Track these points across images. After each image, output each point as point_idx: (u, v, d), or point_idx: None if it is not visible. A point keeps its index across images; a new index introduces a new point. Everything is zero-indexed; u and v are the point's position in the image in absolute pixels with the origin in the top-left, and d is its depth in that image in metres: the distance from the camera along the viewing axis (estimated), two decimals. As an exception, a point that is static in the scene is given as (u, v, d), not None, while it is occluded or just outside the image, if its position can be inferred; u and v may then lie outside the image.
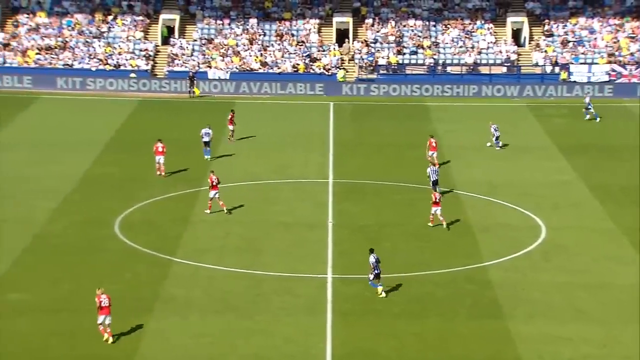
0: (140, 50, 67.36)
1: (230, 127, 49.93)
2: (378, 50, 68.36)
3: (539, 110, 58.45)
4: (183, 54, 67.14)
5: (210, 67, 66.24)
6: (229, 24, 70.23)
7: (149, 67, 66.22)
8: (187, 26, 70.38)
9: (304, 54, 67.58)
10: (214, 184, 38.30)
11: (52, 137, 50.65)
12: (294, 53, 67.84)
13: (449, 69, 67.35)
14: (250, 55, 67.38)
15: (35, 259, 33.61)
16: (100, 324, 27.32)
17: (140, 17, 69.89)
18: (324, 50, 68.09)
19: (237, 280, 32.09)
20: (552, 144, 51.02)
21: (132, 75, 64.70)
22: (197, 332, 28.14)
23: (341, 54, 67.97)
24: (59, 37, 67.53)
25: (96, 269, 32.73)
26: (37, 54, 65.76)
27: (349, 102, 62.04)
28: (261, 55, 67.53)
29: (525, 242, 35.97)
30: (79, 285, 31.31)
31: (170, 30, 69.63)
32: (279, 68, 66.62)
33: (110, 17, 69.71)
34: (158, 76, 66.08)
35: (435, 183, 40.44)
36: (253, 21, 70.30)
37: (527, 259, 34.43)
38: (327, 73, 66.27)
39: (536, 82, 65.04)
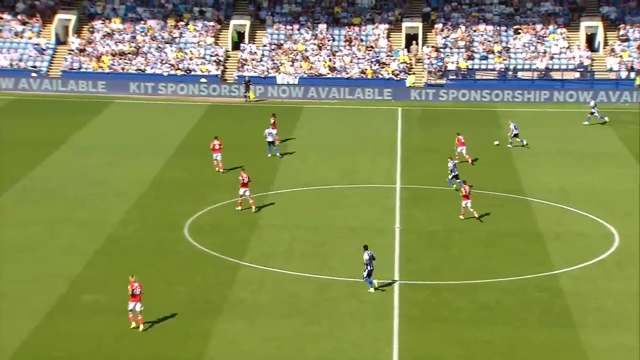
0: (211, 56, 68.20)
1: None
2: (447, 55, 67.90)
3: (613, 116, 57.28)
4: (253, 59, 67.74)
5: (279, 72, 66.68)
6: (299, 29, 70.59)
7: (219, 72, 66.99)
8: (257, 31, 70.99)
9: (373, 59, 67.52)
10: (245, 182, 39.12)
11: (124, 141, 51.57)
12: (363, 58, 67.85)
13: (519, 74, 66.50)
14: (319, 61, 67.61)
15: (107, 260, 34.24)
16: (131, 310, 28.23)
17: (211, 23, 70.76)
18: (392, 56, 67.93)
19: (304, 285, 32.18)
20: (627, 151, 49.96)
21: (203, 80, 65.51)
22: (264, 335, 28.29)
23: (409, 58, 67.67)
24: (132, 42, 68.78)
25: (166, 272, 33.19)
26: (111, 59, 67.09)
27: (417, 108, 61.73)
28: (330, 60, 67.70)
29: (598, 250, 35.27)
30: (150, 287, 31.71)
31: (240, 35, 70.32)
32: (347, 73, 66.69)
33: (182, 23, 70.75)
34: (228, 81, 66.77)
35: (456, 177, 41.64)
36: (322, 26, 70.53)
37: (599, 268, 33.76)
38: (395, 78, 66.09)
39: (610, 87, 63.78)
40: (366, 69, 66.55)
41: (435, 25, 70.62)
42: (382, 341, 27.91)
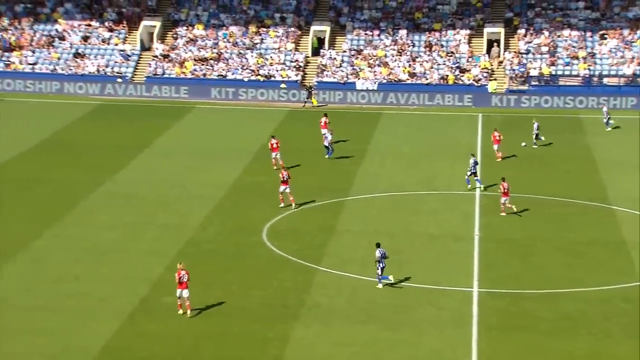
0: (291, 61, 68.65)
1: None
2: (530, 61, 66.86)
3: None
4: (332, 65, 67.91)
5: (358, 78, 66.69)
6: (379, 35, 70.49)
7: (298, 77, 67.37)
8: (337, 37, 71.15)
9: (454, 65, 66.96)
10: (285, 179, 40.02)
11: (205, 146, 52.25)
12: (443, 64, 67.33)
13: (605, 80, 65.01)
14: (399, 66, 67.36)
15: (188, 263, 34.54)
16: (179, 297, 29.37)
17: (292, 29, 71.24)
18: (473, 61, 67.23)
19: (381, 291, 32.02)
20: None
21: (283, 85, 65.97)
22: (341, 341, 28.26)
23: (490, 63, 66.84)
24: (215, 48, 69.72)
25: (245, 275, 33.48)
26: (193, 65, 68.14)
27: (498, 114, 60.92)
28: (409, 66, 67.40)
29: (685, 262, 34.18)
30: (229, 290, 32.11)
31: (320, 41, 70.60)
32: (427, 79, 66.28)
33: (263, 29, 71.41)
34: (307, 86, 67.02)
35: (474, 174, 42.82)
36: (402, 32, 70.27)
37: (686, 279, 32.71)
38: (476, 84, 65.38)
39: (699, 93, 61.90)
40: (447, 75, 66.02)
41: (518, 31, 69.61)
42: (460, 349, 27.57)
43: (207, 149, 51.54)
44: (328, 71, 67.46)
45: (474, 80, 65.63)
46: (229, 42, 70.33)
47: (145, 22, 71.10)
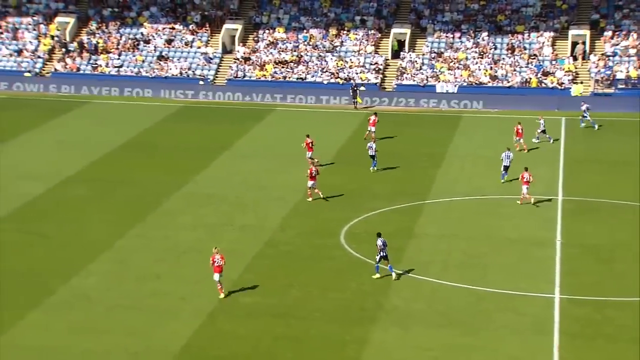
0: (371, 64, 68.56)
1: (372, 129, 52.27)
2: (617, 63, 65.29)
3: None
4: (412, 68, 67.57)
5: (438, 80, 66.19)
6: (460, 38, 69.86)
7: (378, 80, 67.25)
8: (418, 40, 70.79)
9: (537, 68, 65.87)
10: (313, 174, 41.48)
11: (284, 148, 52.56)
12: (526, 66, 66.31)
13: (693, 82, 63.10)
14: (480, 69, 66.62)
15: (266, 264, 34.99)
16: (218, 281, 31.01)
17: (372, 31, 71.15)
18: (557, 64, 66.02)
19: (460, 296, 31.70)
20: None
21: (362, 88, 65.92)
22: (419, 345, 28.06)
23: (575, 66, 65.56)
24: (295, 51, 70.13)
25: (322, 277, 33.54)
26: (273, 67, 68.66)
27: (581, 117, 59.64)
28: (491, 68, 66.58)
29: None
30: (307, 292, 32.22)
31: (400, 44, 70.33)
32: (508, 82, 65.37)
33: (343, 32, 71.51)
34: (387, 90, 66.90)
35: (505, 169, 43.88)
36: (484, 34, 69.49)
37: None
38: (560, 87, 64.17)
39: None
40: (530, 78, 65.00)
41: (605, 33, 68.08)
42: (540, 357, 27.09)
43: (286, 151, 51.84)
44: (408, 74, 67.15)
45: (557, 83, 64.44)
46: (309, 44, 70.64)
47: (227, 25, 71.97)
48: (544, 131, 52.28)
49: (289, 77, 67.97)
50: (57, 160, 48.71)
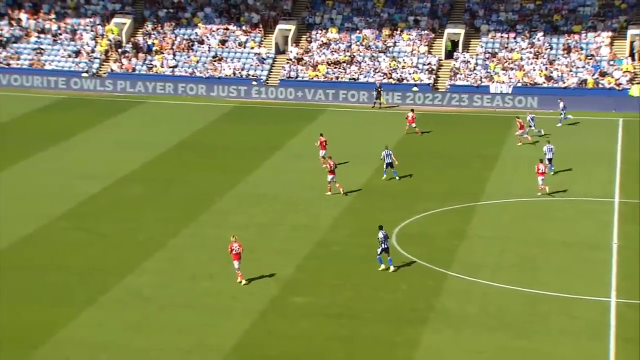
0: (424, 64, 68.26)
1: (413, 125, 54.21)
2: (675, 63, 64.09)
3: None
4: (465, 68, 67.12)
5: (492, 81, 65.63)
6: (514, 38, 69.17)
7: (431, 81, 66.93)
8: (472, 40, 70.27)
9: (594, 68, 64.91)
10: (332, 169, 42.24)
11: (336, 148, 52.56)
12: (582, 67, 65.39)
13: None
14: (535, 70, 65.89)
15: (317, 264, 35.06)
16: (237, 268, 32.15)
17: (426, 32, 70.83)
18: (615, 65, 64.98)
19: (513, 298, 31.40)
20: None
21: (415, 89, 65.68)
22: (471, 347, 27.87)
23: (633, 66, 64.44)
24: (347, 51, 70.14)
25: (373, 278, 33.50)
26: (326, 68, 68.76)
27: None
28: (546, 69, 65.81)
29: None
30: (358, 292, 32.22)
31: (454, 44, 69.89)
32: (564, 83, 64.53)
33: (396, 32, 71.32)
34: (440, 90, 66.54)
35: (550, 161, 45.27)
36: (540, 35, 68.71)
37: None
38: (617, 88, 63.15)
39: None
40: (586, 79, 64.09)
41: (664, 32, 66.88)
42: (595, 361, 26.72)
43: (338, 151, 51.83)
44: (461, 74, 66.71)
45: (615, 84, 63.42)
46: (362, 45, 70.60)
47: (280, 26, 72.27)
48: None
49: (342, 78, 67.98)
50: (113, 160, 49.43)
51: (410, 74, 67.33)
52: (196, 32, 73.02)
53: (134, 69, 70.29)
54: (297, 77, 68.69)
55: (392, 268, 33.72)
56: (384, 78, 67.18)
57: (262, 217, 40.37)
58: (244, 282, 32.50)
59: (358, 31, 71.84)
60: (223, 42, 72.07)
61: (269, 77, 69.65)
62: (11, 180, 45.37)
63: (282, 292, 32.17)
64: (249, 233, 38.14)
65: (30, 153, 49.99)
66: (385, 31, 71.31)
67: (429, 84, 66.52)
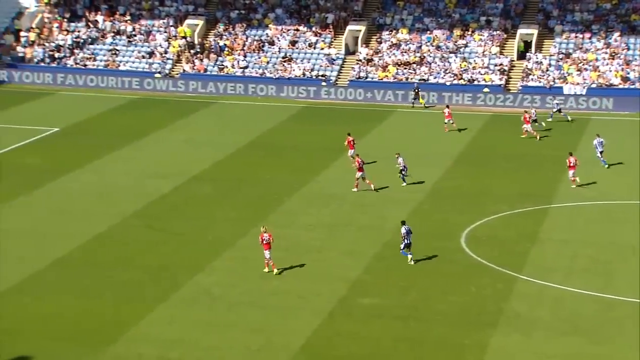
0: (495, 65, 67.48)
1: (450, 120, 55.09)
2: None
3: None
4: (538, 69, 66.11)
5: (566, 82, 64.50)
6: (589, 38, 67.87)
7: (502, 82, 66.11)
8: (545, 41, 69.18)
9: (670, 69, 63.35)
10: (360, 166, 42.78)
11: (405, 149, 52.31)
12: (659, 67, 63.89)
13: None
14: (610, 71, 64.53)
15: (385, 265, 34.94)
16: (269, 257, 33.22)
17: (498, 32, 70.01)
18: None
19: (586, 303, 30.80)
20: None
21: (486, 89, 64.98)
22: (542, 352, 27.43)
23: None
24: (418, 52, 69.77)
25: (442, 280, 33.24)
26: (396, 69, 68.52)
27: None
28: (622, 70, 64.38)
29: None
30: (426, 294, 32.01)
31: (527, 44, 68.91)
32: (640, 83, 63.13)
33: (467, 33, 70.67)
34: (511, 91, 65.69)
35: (601, 154, 46.29)
36: (616, 35, 67.26)
37: None
38: (695, 89, 61.51)
39: None
40: (663, 79, 62.63)
41: None
42: (670, 370, 26.02)
43: (407, 152, 51.58)
44: (533, 75, 65.74)
45: (694, 84, 61.79)
46: (433, 45, 70.14)
47: (350, 27, 72.28)
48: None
49: (411, 79, 67.65)
50: (184, 159, 50.08)
51: (481, 74, 66.63)
52: (267, 33, 73.54)
53: (205, 70, 71.13)
54: (366, 77, 68.59)
55: (411, 262, 34.45)
56: (454, 79, 66.63)
57: (330, 218, 40.40)
58: (275, 271, 33.36)
59: (429, 32, 71.39)
60: (293, 43, 72.40)
61: (339, 78, 69.71)
62: (86, 179, 46.32)
63: (350, 293, 32.14)
64: (316, 233, 38.20)
65: (105, 152, 50.98)
66: (457, 32, 70.70)
67: (500, 85, 65.72)
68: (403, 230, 34.43)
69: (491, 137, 54.85)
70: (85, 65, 72.51)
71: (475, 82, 66.17)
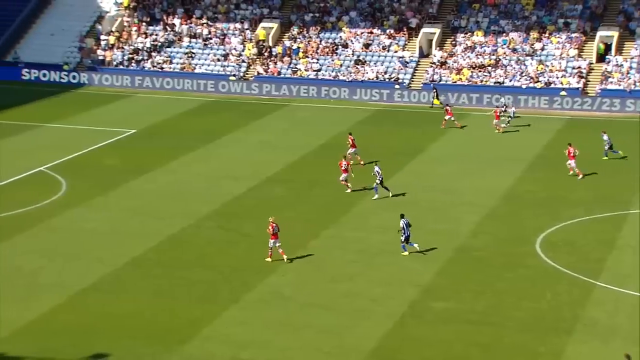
0: (573, 68, 66.23)
1: (451, 117, 56.39)
2: None
3: None
4: (618, 72, 64.63)
5: (646, 85, 63.00)
6: (671, 40, 66.17)
7: (580, 85, 64.85)
8: (626, 43, 67.61)
9: None
10: (345, 168, 43.67)
11: (479, 153, 51.82)
12: None
13: None
14: (693, 73, 62.79)
15: (458, 269, 34.60)
16: (271, 248, 34.61)
17: (576, 34, 68.72)
18: None
19: (665, 312, 29.96)
20: None
21: (563, 93, 63.82)
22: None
23: None
24: (493, 55, 68.95)
25: (516, 285, 32.76)
26: (470, 71, 67.82)
27: None
28: None
29: None
30: (500, 300, 31.59)
31: (607, 47, 67.45)
32: None
33: (545, 35, 69.54)
34: (590, 95, 64.39)
35: (611, 147, 47.98)
36: (698, 36, 65.42)
37: None
38: None
39: None
40: None
41: None
42: None
43: (480, 155, 51.08)
44: (613, 78, 64.31)
45: None
46: (508, 48, 69.24)
47: (425, 29, 71.85)
48: (505, 110, 56.35)
49: (486, 82, 66.89)
50: (258, 161, 50.45)
51: (558, 78, 65.49)
52: (340, 36, 73.61)
53: (279, 73, 71.59)
54: (440, 80, 68.08)
55: (406, 253, 35.29)
56: (530, 82, 65.63)
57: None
58: (285, 258, 34.84)
59: (504, 34, 70.50)
60: (367, 45, 72.31)
61: (412, 81, 69.36)
62: (161, 180, 47.04)
63: (422, 297, 31.92)
64: (388, 236, 38.04)
65: (180, 154, 51.71)
66: (533, 34, 69.64)
67: (577, 89, 64.49)
68: (402, 223, 35.08)
69: (567, 141, 53.78)
70: (162, 68, 73.69)
71: (552, 86, 65.05)
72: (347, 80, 69.47)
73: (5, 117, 60.81)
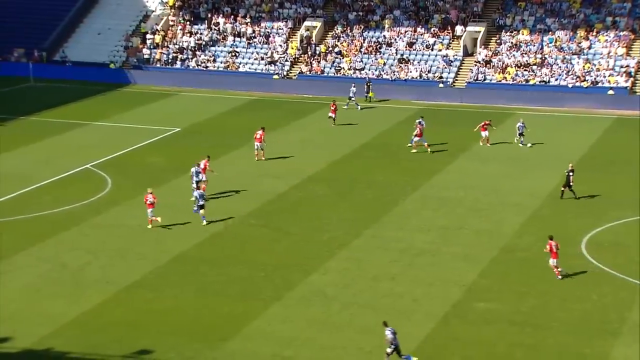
0: (621, 67, 65.27)
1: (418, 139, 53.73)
2: None
3: None
4: (666, 71, 63.62)
5: (696, 84, 61.85)
6: None
7: (628, 84, 63.87)
8: (674, 41, 66.51)
9: None
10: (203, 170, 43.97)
11: (524, 152, 51.31)
12: None
13: None
14: None
15: (502, 270, 34.29)
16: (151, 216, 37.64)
17: (624, 33, 67.70)
18: None
19: None
20: None
21: (610, 92, 62.93)
22: (665, 365, 26.33)
23: None
24: (539, 54, 68.21)
25: (561, 286, 32.37)
26: (515, 70, 67.18)
27: None
28: None
29: None
30: (544, 301, 31.24)
31: (654, 45, 66.43)
32: None
33: (592, 34, 68.63)
34: (638, 94, 63.37)
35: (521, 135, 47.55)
36: None
37: None
38: None
39: None
40: None
41: None
42: None
43: (525, 155, 50.57)
44: (660, 77, 63.29)
45: None
46: (555, 47, 68.45)
47: (469, 28, 71.32)
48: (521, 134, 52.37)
49: (531, 80, 66.20)
50: (300, 159, 50.50)
51: (605, 77, 64.58)
52: (384, 35, 73.40)
53: (322, 71, 71.57)
54: (484, 79, 67.53)
55: None
56: (577, 81, 64.78)
57: (444, 221, 39.95)
58: (150, 226, 38.20)
59: (550, 32, 69.71)
60: (410, 44, 72.01)
61: (456, 80, 68.91)
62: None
63: (465, 297, 31.69)
64: (430, 236, 37.85)
65: (223, 152, 51.94)
66: (580, 32, 68.77)
67: (625, 88, 63.53)
68: (388, 333, 26.91)
69: (614, 141, 53.05)
70: (206, 67, 74.13)
71: (599, 85, 64.17)
72: (391, 79, 69.22)
73: (53, 116, 61.70)
